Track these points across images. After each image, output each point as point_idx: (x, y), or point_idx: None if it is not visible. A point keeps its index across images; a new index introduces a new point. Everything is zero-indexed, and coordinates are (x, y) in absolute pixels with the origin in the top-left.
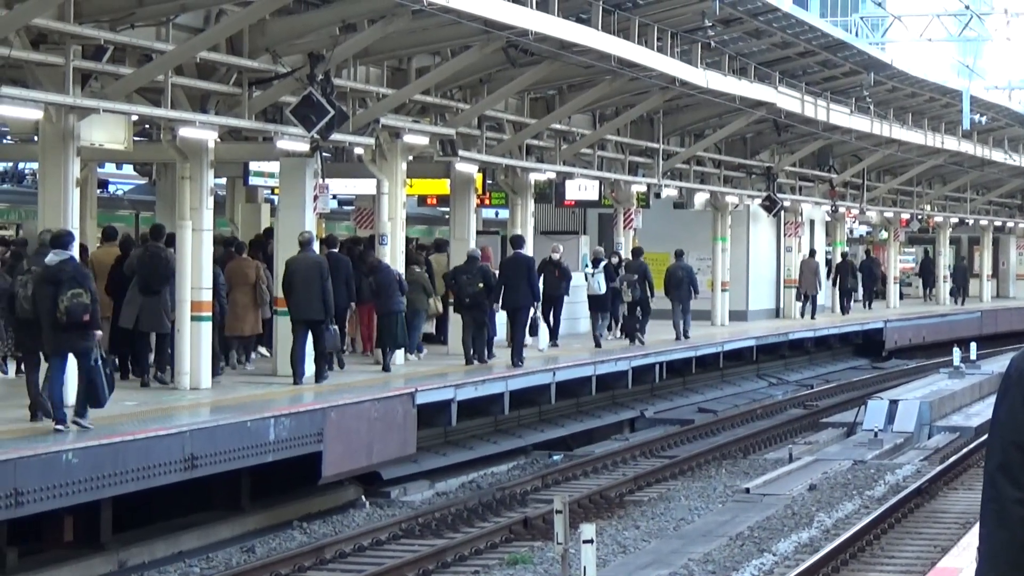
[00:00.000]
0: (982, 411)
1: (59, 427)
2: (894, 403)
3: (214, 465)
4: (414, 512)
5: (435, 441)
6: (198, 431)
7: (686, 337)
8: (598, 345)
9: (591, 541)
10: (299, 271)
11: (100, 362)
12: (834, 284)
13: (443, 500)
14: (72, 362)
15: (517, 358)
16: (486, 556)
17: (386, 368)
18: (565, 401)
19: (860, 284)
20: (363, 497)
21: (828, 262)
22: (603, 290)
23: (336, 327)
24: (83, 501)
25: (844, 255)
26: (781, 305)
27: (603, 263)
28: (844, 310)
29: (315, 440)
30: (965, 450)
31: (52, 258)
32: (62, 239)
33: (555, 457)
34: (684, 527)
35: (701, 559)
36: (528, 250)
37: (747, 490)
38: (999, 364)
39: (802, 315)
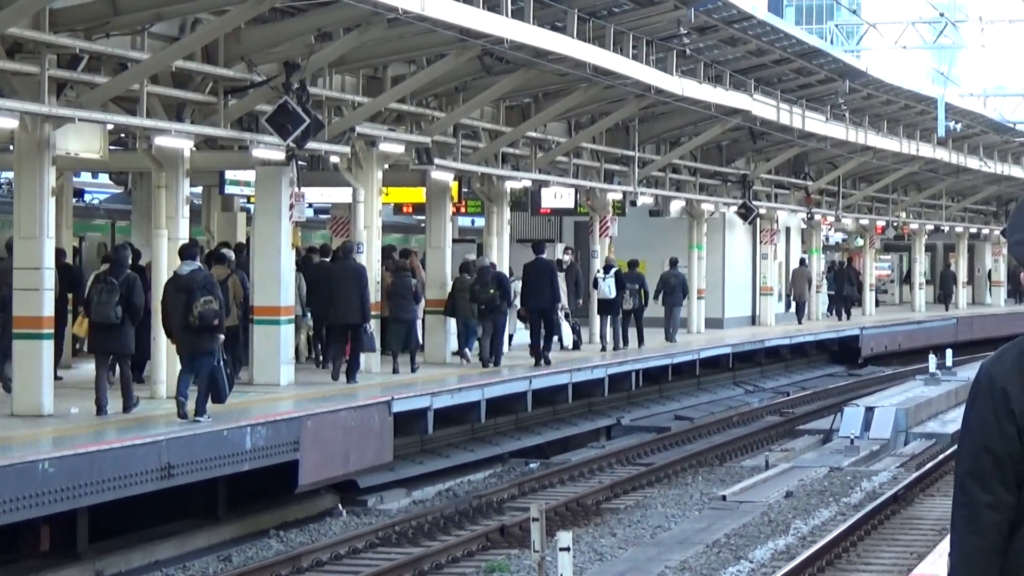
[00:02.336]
0: (958, 418)
1: (183, 417)
2: (870, 410)
3: (191, 474)
4: (391, 520)
5: (412, 449)
6: (174, 440)
7: (672, 340)
8: (613, 347)
9: (568, 549)
10: (339, 278)
11: (222, 363)
12: (831, 291)
13: (420, 508)
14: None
15: (544, 357)
16: (463, 564)
17: (412, 369)
18: (541, 409)
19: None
20: (340, 505)
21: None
22: (613, 295)
23: (373, 330)
24: (60, 510)
25: (843, 263)
26: (757, 312)
27: (614, 269)
28: (842, 316)
29: (291, 449)
30: (941, 457)
31: (183, 268)
32: (190, 251)
33: (532, 465)
34: (661, 534)
35: (678, 566)
36: (548, 254)
37: (724, 497)
38: (975, 371)
39: (799, 321)
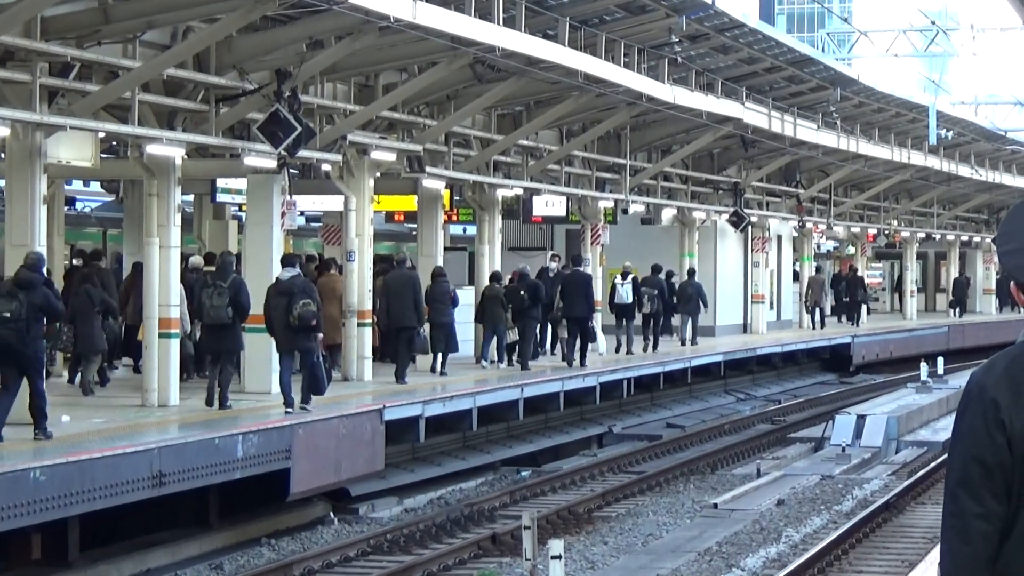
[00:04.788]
0: (949, 426)
1: (288, 410)
2: (862, 418)
3: (182, 482)
4: (382, 528)
5: (403, 457)
6: (166, 448)
7: (694, 344)
8: (628, 351)
9: (559, 557)
10: (395, 285)
11: (320, 359)
12: (846, 297)
13: (411, 516)
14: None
15: (581, 361)
16: (455, 572)
17: (442, 372)
18: (533, 417)
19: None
20: (331, 514)
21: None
22: (630, 300)
23: (426, 334)
24: (51, 519)
25: (854, 270)
26: (748, 320)
27: (631, 276)
28: (854, 321)
29: (283, 457)
30: (932, 465)
31: (284, 274)
32: (291, 259)
33: (523, 473)
34: (652, 543)
35: (669, 574)
36: (585, 267)
37: (715, 505)
38: (966, 379)
39: (813, 327)
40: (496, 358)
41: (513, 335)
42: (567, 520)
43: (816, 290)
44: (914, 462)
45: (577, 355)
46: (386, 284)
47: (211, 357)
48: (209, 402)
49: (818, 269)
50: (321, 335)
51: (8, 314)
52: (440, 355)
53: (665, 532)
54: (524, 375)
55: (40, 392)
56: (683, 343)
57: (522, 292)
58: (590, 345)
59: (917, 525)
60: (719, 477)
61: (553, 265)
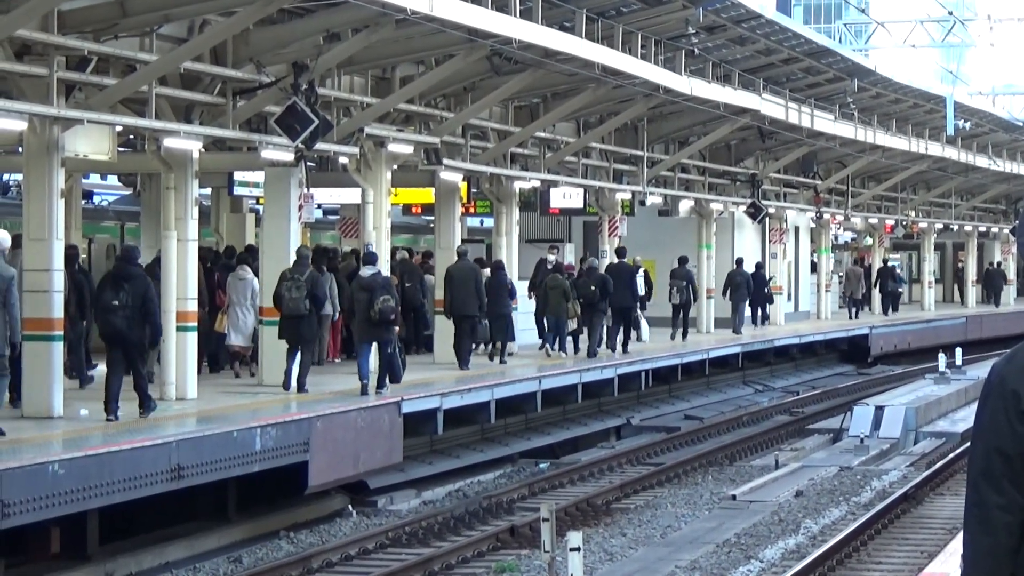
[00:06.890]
0: (968, 417)
1: (365, 394)
2: (880, 409)
3: (200, 475)
4: (401, 521)
5: (421, 450)
6: (184, 441)
7: (736, 332)
8: (638, 339)
9: (578, 549)
10: (458, 276)
11: (397, 348)
12: (877, 288)
13: (430, 509)
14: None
15: (624, 348)
16: (473, 564)
17: (502, 361)
18: (551, 409)
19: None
20: (350, 506)
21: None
22: (642, 292)
23: (487, 321)
24: (69, 512)
25: (885, 261)
26: (767, 311)
27: (641, 268)
28: (886, 310)
29: (301, 450)
30: (951, 456)
31: (365, 271)
32: (372, 258)
33: (541, 465)
34: (671, 534)
35: (688, 566)
36: (627, 259)
37: (734, 497)
38: (984, 370)
39: (850, 316)
40: (560, 347)
41: (571, 325)
42: (586, 512)
43: (853, 281)
44: (932, 453)
45: (619, 344)
46: (449, 275)
47: (289, 346)
48: (286, 386)
49: (855, 261)
50: (398, 327)
51: (117, 303)
52: (498, 344)
53: (683, 524)
54: (542, 367)
55: (142, 374)
56: (735, 331)
57: (593, 287)
58: (633, 333)
59: (936, 516)
60: (737, 468)
61: (551, 258)
